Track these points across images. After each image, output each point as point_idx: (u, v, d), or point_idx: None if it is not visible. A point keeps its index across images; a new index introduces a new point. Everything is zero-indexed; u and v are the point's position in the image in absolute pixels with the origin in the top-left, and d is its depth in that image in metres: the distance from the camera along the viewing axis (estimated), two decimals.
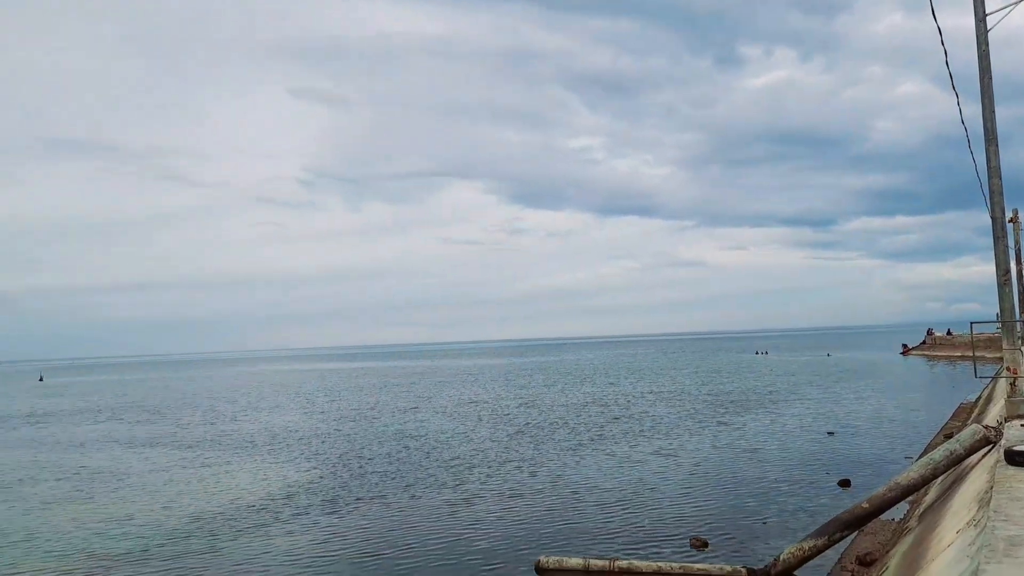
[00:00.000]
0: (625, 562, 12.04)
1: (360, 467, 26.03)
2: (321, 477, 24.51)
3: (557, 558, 12.12)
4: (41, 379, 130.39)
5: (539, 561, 12.00)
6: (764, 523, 16.49)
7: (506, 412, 42.70)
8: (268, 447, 32.06)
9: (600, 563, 11.98)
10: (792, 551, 10.87)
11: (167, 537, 17.41)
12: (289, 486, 23.13)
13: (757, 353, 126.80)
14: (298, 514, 19.25)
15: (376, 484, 22.90)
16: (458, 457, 27.22)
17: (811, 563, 10.98)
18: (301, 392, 68.91)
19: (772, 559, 11.10)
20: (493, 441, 31.08)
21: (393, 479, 23.60)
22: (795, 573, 10.75)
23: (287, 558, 15.40)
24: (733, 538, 15.35)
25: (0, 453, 33.50)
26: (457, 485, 22.14)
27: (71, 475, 26.77)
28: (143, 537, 17.47)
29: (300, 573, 14.42)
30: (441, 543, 16.03)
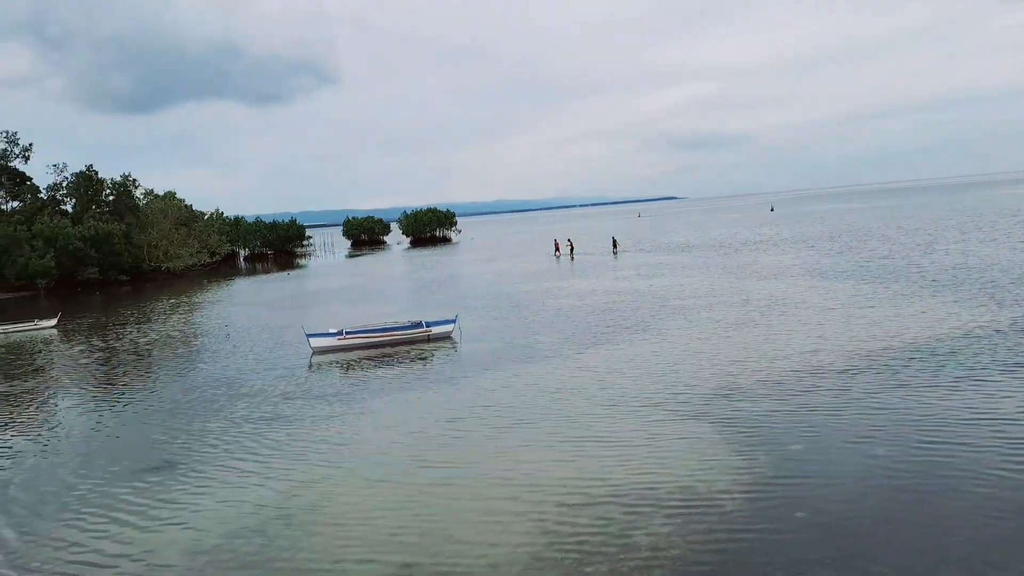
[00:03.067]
0: None
1: None
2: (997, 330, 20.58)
3: None
4: (772, 209, 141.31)
5: None
6: None
7: None
8: (962, 286, 28.35)
9: None
10: None
11: (800, 374, 17.28)
12: (961, 335, 20.14)
13: None
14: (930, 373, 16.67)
15: None
16: None
17: None
18: None
19: None
20: None
21: None
22: None
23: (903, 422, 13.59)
24: None
25: (692, 277, 37.92)
26: None
27: (751, 299, 28.63)
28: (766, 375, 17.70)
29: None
30: None
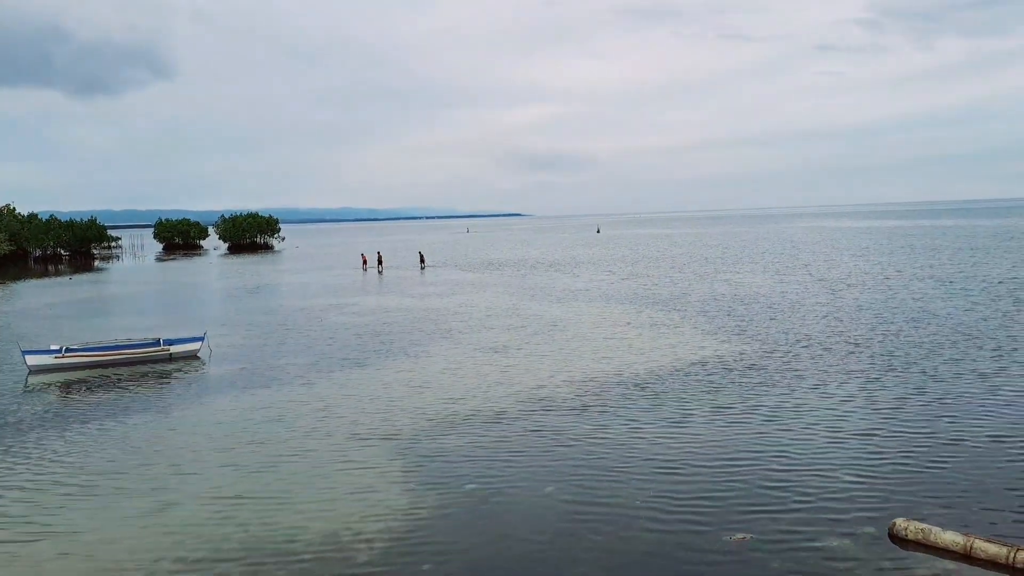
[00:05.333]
0: None
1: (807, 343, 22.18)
2: (741, 353, 21.57)
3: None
4: (598, 231, 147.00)
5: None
6: None
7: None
8: (725, 313, 29.85)
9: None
10: None
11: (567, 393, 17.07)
12: (702, 358, 20.88)
13: None
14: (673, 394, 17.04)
15: (780, 367, 19.13)
16: (891, 351, 21.20)
17: None
18: (819, 252, 63.52)
19: None
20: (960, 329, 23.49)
21: (808, 360, 19.43)
22: None
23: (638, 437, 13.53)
24: None
25: (482, 296, 38.04)
26: (864, 380, 17.02)
27: (525, 323, 28.74)
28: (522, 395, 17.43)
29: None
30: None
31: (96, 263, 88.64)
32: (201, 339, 24.77)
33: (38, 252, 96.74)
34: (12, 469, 13.62)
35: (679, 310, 30.93)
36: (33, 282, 60.47)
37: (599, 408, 16.34)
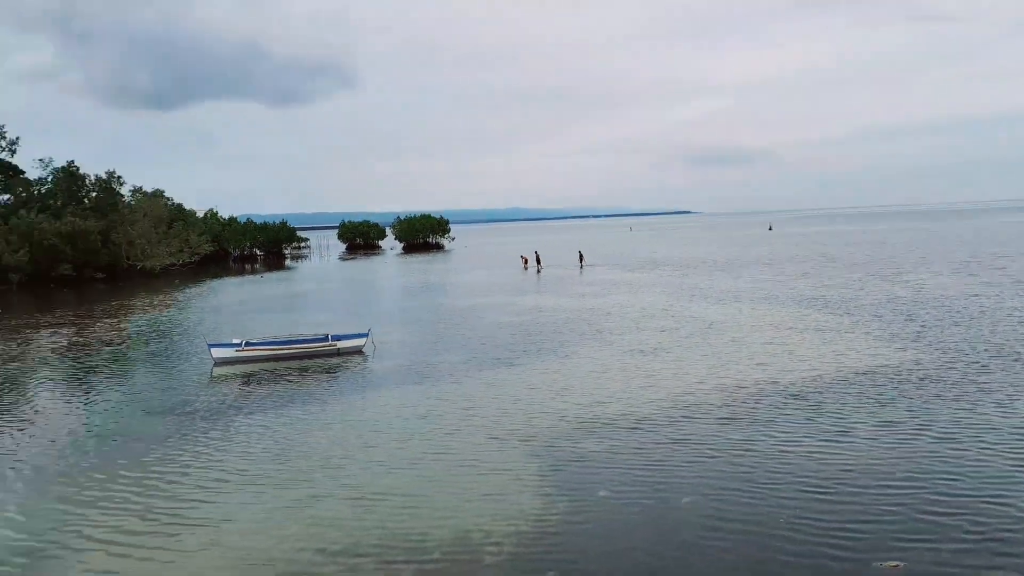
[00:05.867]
0: None
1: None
2: (916, 362, 19.81)
3: None
4: (771, 228, 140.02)
5: None
6: None
7: None
8: (904, 317, 27.57)
9: None
10: None
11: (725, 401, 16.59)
12: (871, 368, 19.40)
13: None
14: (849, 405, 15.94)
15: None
16: None
17: None
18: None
19: None
20: None
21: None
22: None
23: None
24: None
25: (638, 296, 37.18)
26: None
27: (679, 325, 27.92)
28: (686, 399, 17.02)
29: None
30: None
31: (287, 262, 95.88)
32: (365, 335, 26.06)
33: (236, 252, 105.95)
34: (180, 454, 14.92)
35: (850, 314, 28.83)
36: (230, 280, 66.35)
37: (749, 418, 15.53)
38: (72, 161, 73.72)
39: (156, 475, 13.66)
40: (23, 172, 75.02)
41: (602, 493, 11.99)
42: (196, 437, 16.08)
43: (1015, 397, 16.18)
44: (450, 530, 10.78)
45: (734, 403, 16.68)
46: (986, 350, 20.97)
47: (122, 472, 13.89)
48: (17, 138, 73.30)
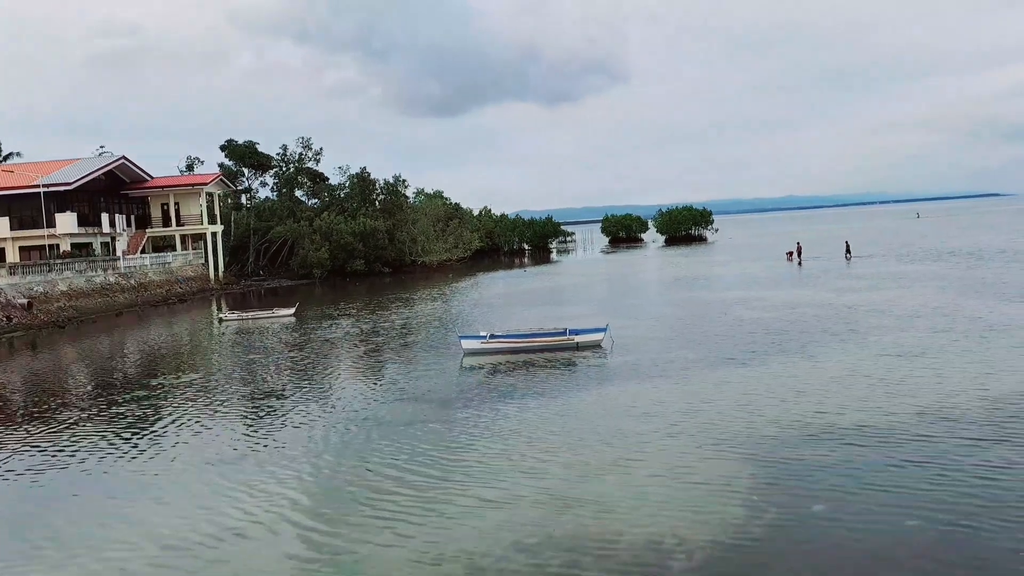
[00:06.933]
0: None
1: None
2: None
3: None
4: (918, 216, 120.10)
5: None
6: None
7: None
8: None
9: None
10: None
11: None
12: None
13: None
14: None
15: None
16: None
17: None
18: None
19: None
20: None
21: None
22: None
23: None
24: None
25: (911, 291, 33.19)
26: None
27: (954, 324, 24.84)
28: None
29: None
30: None
31: (552, 256, 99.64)
32: (604, 330, 26.46)
33: (506, 247, 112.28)
34: (409, 439, 16.31)
35: None
36: (498, 273, 70.54)
37: (1014, 437, 13.52)
38: (364, 167, 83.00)
39: (382, 464, 15.12)
40: (327, 179, 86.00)
41: (817, 508, 11.23)
42: (432, 425, 17.47)
43: None
44: (644, 536, 10.73)
45: (995, 420, 14.58)
46: None
47: (359, 458, 15.57)
48: (321, 148, 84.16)
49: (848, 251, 58.28)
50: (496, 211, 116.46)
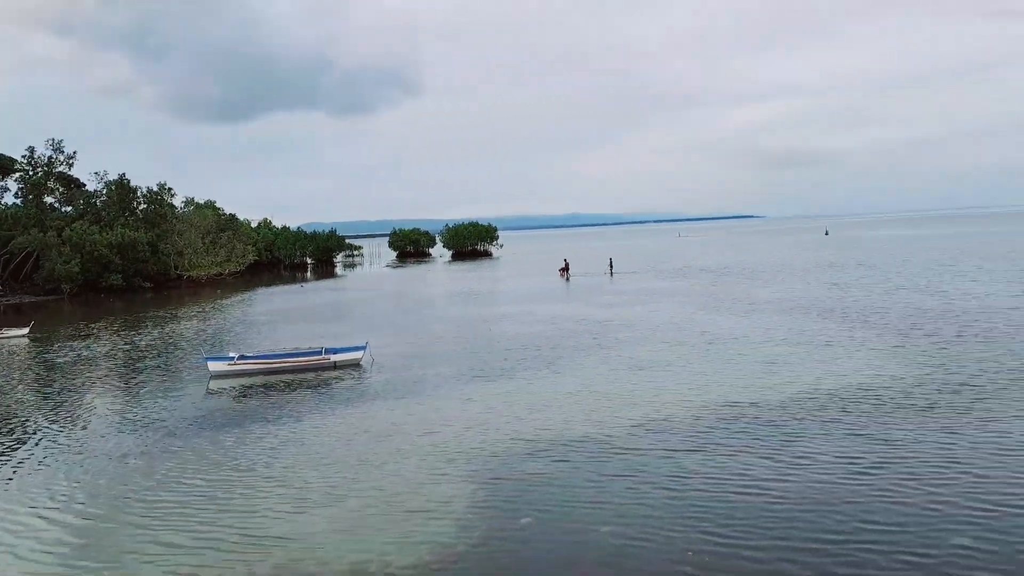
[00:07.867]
0: None
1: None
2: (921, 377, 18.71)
3: None
4: (827, 233, 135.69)
5: None
6: None
7: None
8: (926, 332, 26.20)
9: None
10: None
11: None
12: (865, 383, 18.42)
13: None
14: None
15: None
16: None
17: None
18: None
19: None
20: None
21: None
22: None
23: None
24: None
25: (659, 306, 36.18)
26: None
27: (688, 338, 27.08)
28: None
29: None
30: None
31: (337, 270, 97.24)
32: (363, 348, 26.02)
33: (287, 261, 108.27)
34: (172, 460, 14.99)
35: (874, 326, 27.46)
36: (274, 288, 67.51)
37: (707, 447, 14.82)
38: (123, 173, 76.45)
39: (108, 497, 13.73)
40: (84, 184, 78.18)
41: (523, 521, 11.54)
42: (160, 453, 16.16)
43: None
44: (348, 565, 10.46)
45: (695, 430, 15.90)
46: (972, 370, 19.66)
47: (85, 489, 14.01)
48: (75, 152, 76.31)
49: (611, 268, 62.14)
50: (288, 223, 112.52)
